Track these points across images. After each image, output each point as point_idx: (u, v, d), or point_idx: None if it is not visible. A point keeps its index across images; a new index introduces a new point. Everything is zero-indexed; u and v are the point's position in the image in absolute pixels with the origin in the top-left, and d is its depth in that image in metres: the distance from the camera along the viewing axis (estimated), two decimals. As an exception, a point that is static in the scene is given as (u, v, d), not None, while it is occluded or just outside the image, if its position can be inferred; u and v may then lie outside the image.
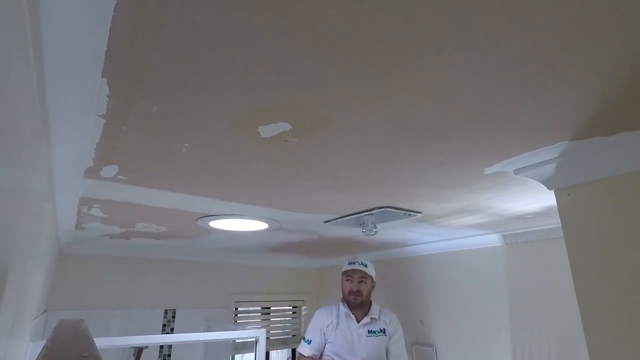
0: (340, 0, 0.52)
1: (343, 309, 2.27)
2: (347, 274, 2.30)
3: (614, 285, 0.98)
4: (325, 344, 2.23)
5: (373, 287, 2.31)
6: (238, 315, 3.45)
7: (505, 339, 2.28)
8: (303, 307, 3.85)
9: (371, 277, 2.28)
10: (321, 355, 2.22)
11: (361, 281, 2.24)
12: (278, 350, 3.90)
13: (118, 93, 0.72)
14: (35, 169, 0.83)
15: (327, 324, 2.25)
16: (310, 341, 2.25)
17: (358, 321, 2.22)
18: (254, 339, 2.15)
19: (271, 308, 3.71)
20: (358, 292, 2.22)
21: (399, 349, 2.24)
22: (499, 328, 2.33)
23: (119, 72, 0.66)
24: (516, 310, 2.27)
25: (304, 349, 2.25)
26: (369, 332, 2.21)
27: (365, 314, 2.25)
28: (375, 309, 2.29)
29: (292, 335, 3.70)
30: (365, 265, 2.26)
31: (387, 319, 2.29)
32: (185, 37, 0.58)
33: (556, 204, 1.16)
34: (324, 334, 2.24)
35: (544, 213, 1.78)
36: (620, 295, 0.97)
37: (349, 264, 2.29)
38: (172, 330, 2.98)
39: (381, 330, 2.23)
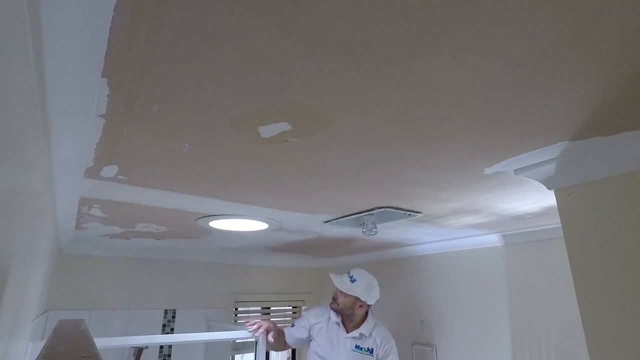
0: (341, 0, 0.52)
1: (334, 317, 2.17)
2: None
3: (614, 285, 0.98)
4: (308, 341, 2.24)
5: (359, 305, 2.11)
6: (238, 315, 3.45)
7: (506, 339, 2.28)
8: (303, 307, 3.85)
9: (352, 296, 2.09)
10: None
11: (341, 292, 2.13)
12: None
13: (118, 93, 0.72)
14: (35, 169, 0.83)
15: (316, 323, 2.23)
16: (294, 326, 2.28)
17: (347, 332, 2.13)
18: (254, 339, 2.15)
19: (271, 308, 3.71)
20: (334, 300, 2.17)
21: None
22: (499, 328, 2.33)
23: (119, 72, 0.66)
24: (516, 310, 2.27)
25: (287, 330, 2.29)
26: (356, 347, 2.10)
27: (356, 328, 2.13)
28: (368, 326, 2.14)
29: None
30: (353, 281, 2.10)
31: (380, 339, 2.12)
32: (185, 37, 0.58)
33: (556, 204, 1.16)
34: (310, 330, 2.23)
35: (544, 213, 1.78)
36: (620, 295, 0.97)
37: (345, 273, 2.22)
38: (172, 330, 2.98)
39: (368, 350, 2.09)
